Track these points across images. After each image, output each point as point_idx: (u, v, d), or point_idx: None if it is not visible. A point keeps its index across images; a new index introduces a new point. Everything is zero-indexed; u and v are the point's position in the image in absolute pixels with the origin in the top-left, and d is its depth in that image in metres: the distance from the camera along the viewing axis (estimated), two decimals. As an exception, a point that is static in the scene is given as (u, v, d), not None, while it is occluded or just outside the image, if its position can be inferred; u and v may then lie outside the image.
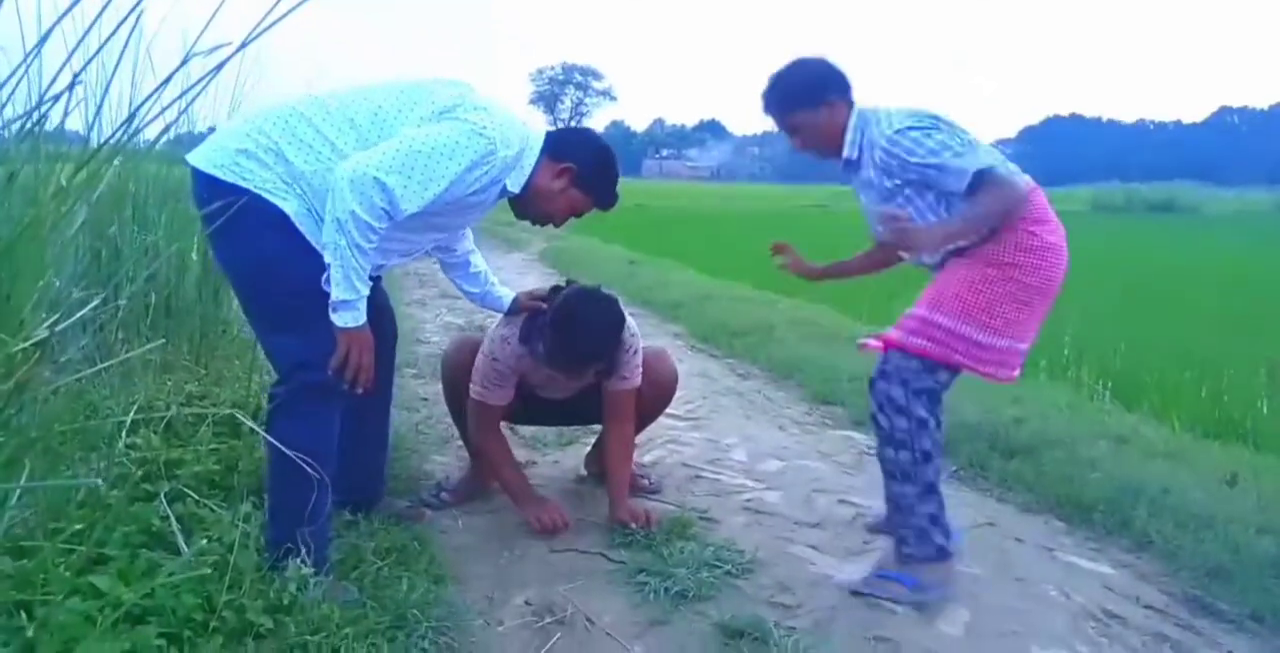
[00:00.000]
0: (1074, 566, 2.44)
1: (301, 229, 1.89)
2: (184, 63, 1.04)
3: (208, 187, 1.88)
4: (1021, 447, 3.26)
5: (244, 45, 1.02)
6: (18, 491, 1.22)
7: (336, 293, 1.85)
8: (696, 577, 2.21)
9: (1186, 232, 18.90)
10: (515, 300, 2.56)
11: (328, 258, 1.84)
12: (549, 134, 2.16)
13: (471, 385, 2.54)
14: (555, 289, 2.53)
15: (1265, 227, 20.09)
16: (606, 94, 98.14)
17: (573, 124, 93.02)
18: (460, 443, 2.87)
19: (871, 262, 2.60)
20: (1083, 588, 2.30)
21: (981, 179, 2.04)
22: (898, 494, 2.21)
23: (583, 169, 2.14)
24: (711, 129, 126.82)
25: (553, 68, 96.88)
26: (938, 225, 2.10)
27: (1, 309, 1.13)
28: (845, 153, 2.24)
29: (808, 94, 2.25)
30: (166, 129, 2.04)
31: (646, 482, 2.93)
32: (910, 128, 2.10)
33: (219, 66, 1.04)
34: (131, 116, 1.33)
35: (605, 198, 2.23)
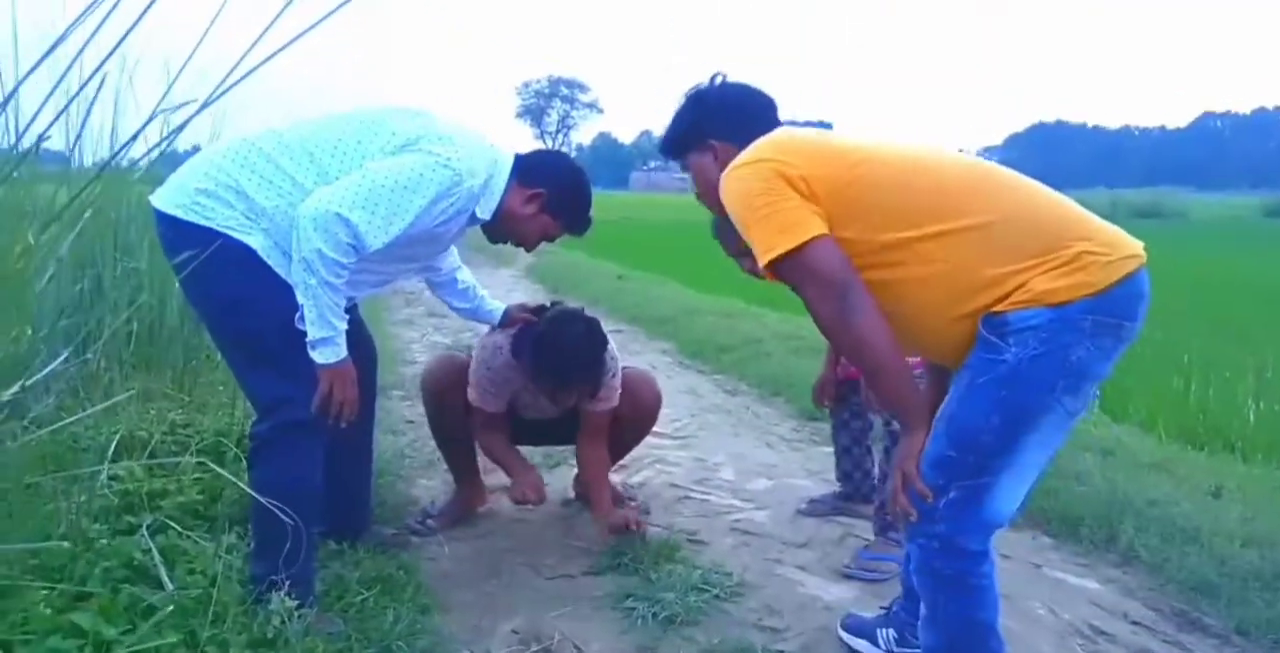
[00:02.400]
0: (1061, 581, 2.45)
1: (270, 263, 1.88)
2: (151, 118, 1.04)
3: (171, 227, 1.88)
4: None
5: (208, 104, 1.02)
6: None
7: (313, 331, 1.84)
8: (684, 601, 2.20)
9: (1173, 237, 18.99)
10: (506, 313, 2.60)
11: (300, 297, 1.84)
12: (518, 157, 2.15)
13: (469, 391, 2.59)
14: (542, 308, 2.57)
15: (1251, 231, 20.24)
16: (593, 106, 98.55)
17: (560, 137, 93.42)
18: (446, 467, 2.86)
19: None
20: (1070, 604, 2.30)
21: None
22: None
23: (553, 194, 2.14)
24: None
25: (539, 81, 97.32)
26: None
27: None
28: None
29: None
30: (149, 151, 2.05)
31: (634, 504, 2.93)
32: None
33: (199, 109, 1.04)
34: (112, 157, 1.33)
35: (576, 223, 2.23)
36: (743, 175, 1.58)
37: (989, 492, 1.52)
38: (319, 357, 1.87)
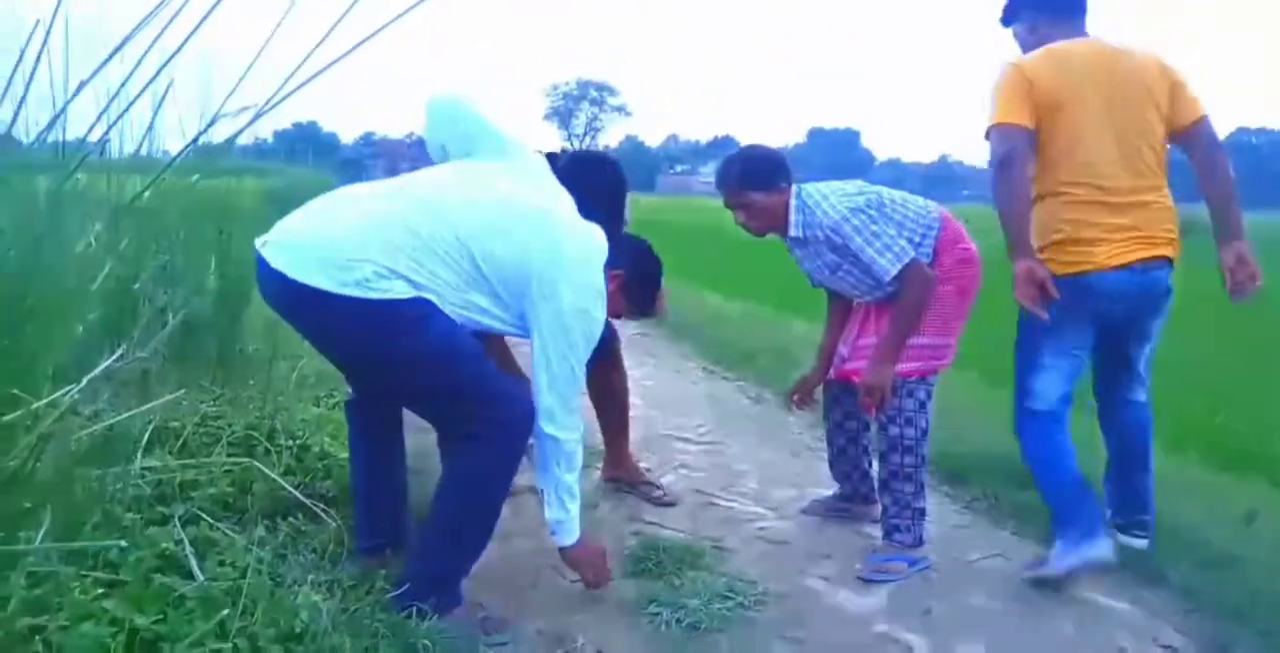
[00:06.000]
0: (1090, 601, 2.42)
1: (423, 294, 1.92)
2: (213, 122, 1.05)
3: (334, 303, 1.85)
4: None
5: (264, 110, 1.02)
6: (40, 538, 1.23)
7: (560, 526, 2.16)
8: (708, 609, 2.20)
9: (1204, 254, 18.71)
10: None
11: (550, 488, 2.12)
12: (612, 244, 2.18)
13: None
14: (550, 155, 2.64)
15: (1283, 250, 19.83)
16: (621, 110, 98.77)
17: (587, 140, 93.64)
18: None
19: (837, 323, 2.86)
20: (1099, 625, 2.28)
21: (902, 273, 2.45)
22: (896, 491, 2.59)
23: (631, 277, 2.26)
24: (726, 145, 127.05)
25: (567, 83, 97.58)
26: (885, 360, 2.51)
27: (28, 367, 1.14)
28: (792, 232, 2.57)
29: (762, 179, 2.54)
30: (187, 147, 2.06)
31: (660, 493, 3.03)
32: (854, 211, 2.47)
33: (259, 113, 1.05)
34: (181, 153, 1.35)
35: (646, 306, 2.38)
36: (1004, 72, 2.45)
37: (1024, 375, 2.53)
38: (558, 540, 2.18)
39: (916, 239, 2.52)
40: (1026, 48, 2.67)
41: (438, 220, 1.94)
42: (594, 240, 2.11)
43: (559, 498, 2.11)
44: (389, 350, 1.93)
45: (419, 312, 1.90)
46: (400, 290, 1.88)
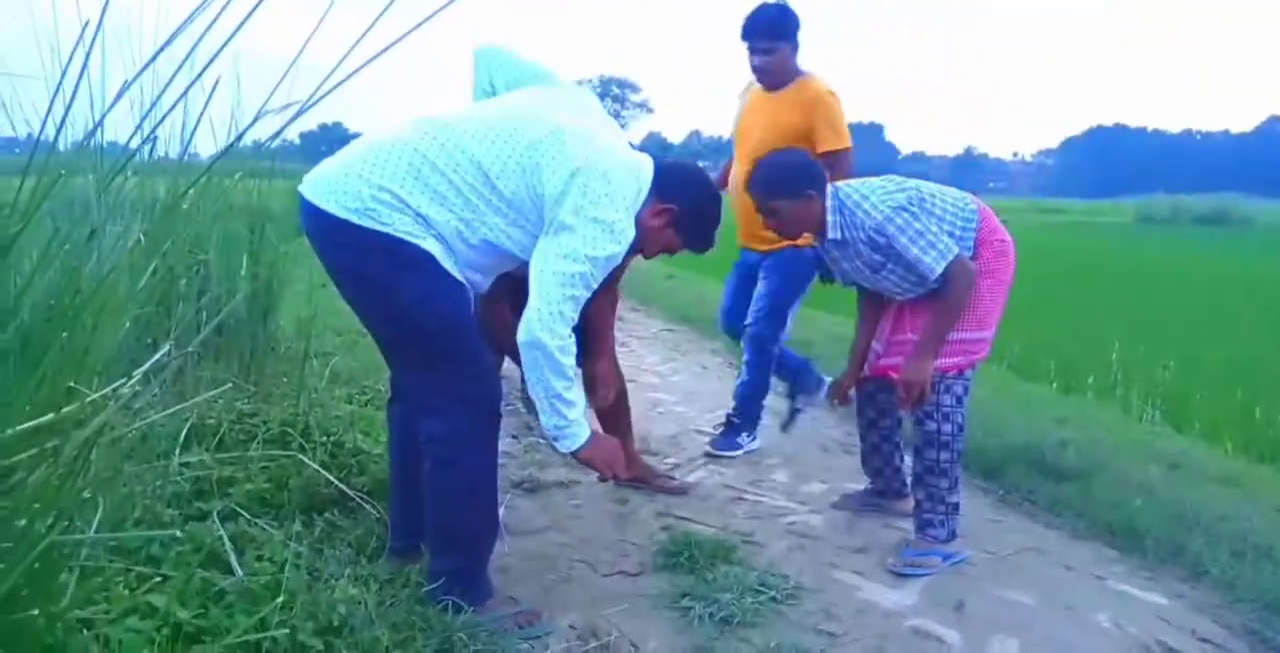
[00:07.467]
0: (1126, 595, 2.40)
1: (445, 266, 1.92)
2: (255, 120, 1.07)
3: (341, 231, 1.88)
4: (1070, 471, 3.20)
5: (306, 108, 1.03)
6: (91, 532, 1.25)
7: (560, 431, 2.02)
8: (741, 603, 2.20)
9: (1237, 244, 18.49)
10: None
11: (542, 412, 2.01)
12: (658, 170, 2.13)
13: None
14: None
15: (1318, 239, 19.54)
16: (643, 106, 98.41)
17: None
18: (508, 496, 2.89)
19: (869, 321, 2.80)
20: (1136, 618, 2.26)
21: (947, 269, 2.41)
22: (931, 486, 2.56)
23: (682, 211, 2.15)
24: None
25: (590, 80, 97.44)
26: (925, 356, 2.48)
27: (80, 363, 1.16)
28: (830, 234, 2.52)
29: (795, 186, 2.48)
30: (232, 144, 2.08)
31: (675, 482, 3.10)
32: (897, 210, 2.41)
33: (298, 113, 1.06)
34: (222, 152, 1.37)
35: (699, 242, 2.25)
36: (837, 100, 3.25)
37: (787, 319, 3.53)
38: (561, 448, 2.04)
39: (957, 233, 2.48)
40: (773, 67, 3.28)
41: (449, 143, 1.92)
42: (623, 157, 2.05)
43: (550, 404, 1.99)
44: (372, 282, 1.92)
45: (411, 259, 1.88)
46: (403, 226, 1.87)
